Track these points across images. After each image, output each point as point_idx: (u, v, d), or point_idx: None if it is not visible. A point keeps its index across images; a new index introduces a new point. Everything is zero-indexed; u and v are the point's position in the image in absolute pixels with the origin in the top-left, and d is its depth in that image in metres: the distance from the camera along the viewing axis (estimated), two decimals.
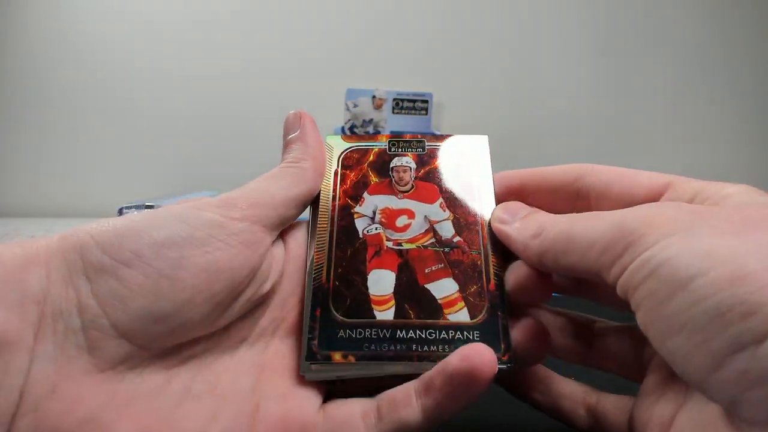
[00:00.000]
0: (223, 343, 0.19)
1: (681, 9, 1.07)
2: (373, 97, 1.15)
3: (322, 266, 0.21)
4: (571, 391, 0.21)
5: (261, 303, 0.20)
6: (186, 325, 0.17)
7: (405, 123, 1.18)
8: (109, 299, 0.16)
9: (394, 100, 1.14)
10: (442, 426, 0.18)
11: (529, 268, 0.20)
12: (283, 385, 0.19)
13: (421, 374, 0.18)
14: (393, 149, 0.23)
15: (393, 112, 1.16)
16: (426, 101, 1.15)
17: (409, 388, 0.18)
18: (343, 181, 0.23)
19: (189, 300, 0.17)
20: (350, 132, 1.14)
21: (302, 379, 0.19)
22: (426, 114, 1.16)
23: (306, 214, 0.22)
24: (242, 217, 0.19)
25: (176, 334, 0.17)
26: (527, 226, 0.19)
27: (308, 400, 0.19)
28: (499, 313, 0.19)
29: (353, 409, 0.18)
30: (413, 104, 1.14)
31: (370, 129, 1.15)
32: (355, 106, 1.13)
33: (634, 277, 0.14)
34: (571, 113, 1.09)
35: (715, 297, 0.12)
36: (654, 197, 0.19)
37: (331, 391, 0.20)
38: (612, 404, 0.20)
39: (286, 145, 0.23)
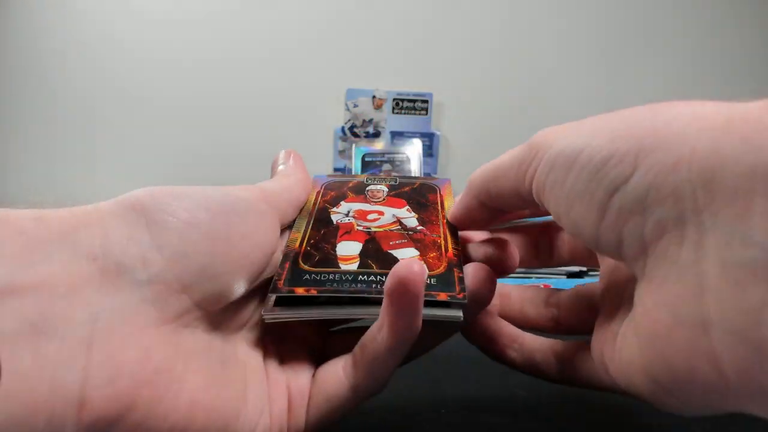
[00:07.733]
0: (231, 325, 0.20)
1: (682, 10, 1.07)
2: (373, 97, 1.15)
3: (296, 239, 0.22)
4: (541, 344, 0.22)
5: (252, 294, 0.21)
6: (229, 288, 0.18)
7: (405, 123, 1.19)
8: (173, 255, 0.17)
9: (394, 100, 1.15)
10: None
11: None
12: (283, 359, 0.21)
13: (374, 322, 0.18)
14: (369, 181, 0.28)
15: (393, 112, 1.16)
16: (426, 101, 1.16)
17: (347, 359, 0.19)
18: (324, 196, 0.26)
19: (237, 262, 0.18)
20: (350, 132, 1.15)
21: (294, 360, 0.20)
22: (426, 114, 1.17)
23: None
24: (270, 206, 0.21)
25: (220, 297, 0.18)
26: (466, 189, 0.22)
27: (303, 370, 0.20)
28: (455, 270, 0.20)
29: (332, 368, 0.19)
30: (413, 104, 1.15)
31: (370, 129, 1.15)
32: (355, 106, 1.14)
33: (540, 177, 0.17)
34: (571, 113, 1.08)
35: (595, 158, 0.15)
36: None
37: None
38: (574, 352, 0.22)
39: (275, 170, 0.25)
